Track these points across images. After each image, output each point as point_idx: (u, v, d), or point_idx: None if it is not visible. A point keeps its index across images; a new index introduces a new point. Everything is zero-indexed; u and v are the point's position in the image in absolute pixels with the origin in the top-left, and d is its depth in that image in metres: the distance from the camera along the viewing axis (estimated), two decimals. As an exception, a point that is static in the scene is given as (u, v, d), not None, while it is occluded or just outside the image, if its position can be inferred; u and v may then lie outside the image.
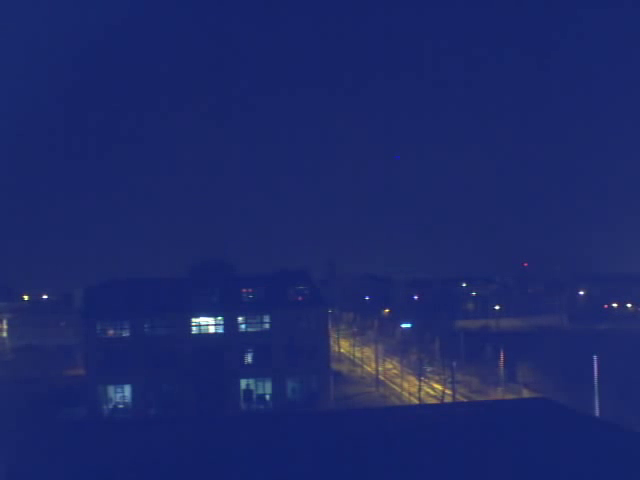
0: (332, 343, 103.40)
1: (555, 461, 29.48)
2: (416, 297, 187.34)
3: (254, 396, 73.95)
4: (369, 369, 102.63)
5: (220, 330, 74.34)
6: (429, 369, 79.83)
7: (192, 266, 79.61)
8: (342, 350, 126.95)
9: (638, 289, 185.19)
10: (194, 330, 73.97)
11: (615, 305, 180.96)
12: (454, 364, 74.78)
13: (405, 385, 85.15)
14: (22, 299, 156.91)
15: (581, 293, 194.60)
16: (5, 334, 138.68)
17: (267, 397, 73.85)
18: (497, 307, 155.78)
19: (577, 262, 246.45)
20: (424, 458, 30.93)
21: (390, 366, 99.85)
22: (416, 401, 74.94)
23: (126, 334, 73.05)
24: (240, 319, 74.42)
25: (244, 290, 76.13)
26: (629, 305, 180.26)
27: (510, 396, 74.44)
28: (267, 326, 74.47)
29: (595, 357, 65.04)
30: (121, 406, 72.38)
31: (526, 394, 74.52)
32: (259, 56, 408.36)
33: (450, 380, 72.72)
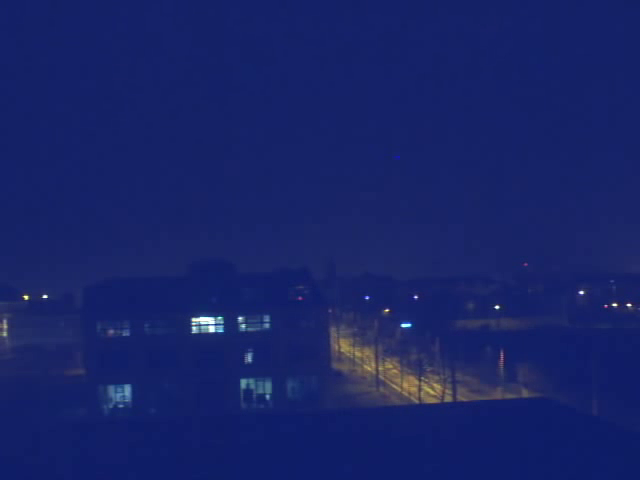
0: (332, 343, 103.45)
1: (555, 461, 29.45)
2: (416, 297, 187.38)
3: (254, 396, 73.97)
4: (369, 369, 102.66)
5: (220, 330, 74.33)
6: (429, 369, 79.76)
7: (192, 266, 79.58)
8: (342, 350, 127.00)
9: (638, 289, 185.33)
10: (194, 330, 73.96)
11: (615, 305, 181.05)
12: (454, 364, 74.77)
13: (405, 385, 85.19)
14: (22, 299, 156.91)
15: (581, 293, 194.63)
16: (5, 334, 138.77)
17: (267, 397, 73.87)
18: (497, 307, 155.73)
19: (577, 262, 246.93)
20: (424, 458, 30.90)
21: (390, 366, 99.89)
22: (416, 401, 74.94)
23: (126, 334, 73.05)
24: (240, 319, 74.42)
25: (244, 290, 76.13)
26: (629, 305, 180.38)
27: (510, 396, 74.50)
28: (267, 326, 74.46)
29: (595, 357, 65.14)
30: (121, 406, 72.42)
31: (526, 394, 74.60)
32: (260, 53, 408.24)
33: (450, 380, 72.70)
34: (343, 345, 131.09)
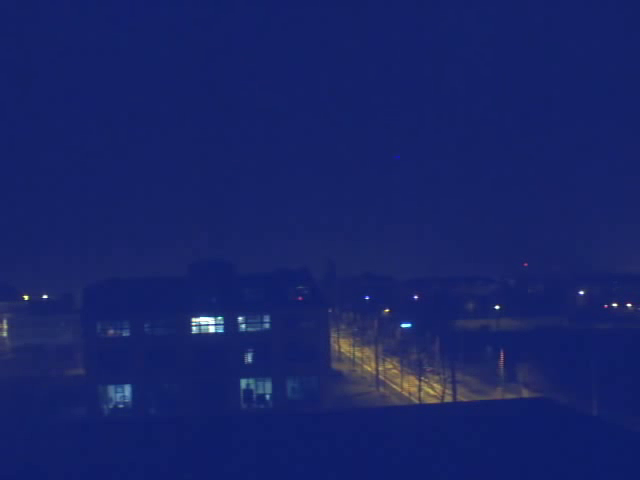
0: (332, 343, 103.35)
1: (555, 461, 29.44)
2: (416, 297, 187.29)
3: (254, 396, 73.97)
4: (369, 369, 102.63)
5: (220, 330, 74.31)
6: (429, 369, 79.72)
7: (192, 266, 79.55)
8: (342, 350, 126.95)
9: (638, 289, 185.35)
10: (194, 330, 73.95)
11: (615, 305, 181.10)
12: (454, 364, 74.74)
13: (405, 385, 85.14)
14: (22, 299, 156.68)
15: (581, 293, 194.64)
16: (5, 334, 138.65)
17: (267, 397, 73.86)
18: (497, 307, 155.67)
19: (577, 262, 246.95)
20: (424, 458, 30.89)
21: (390, 366, 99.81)
22: (416, 401, 74.92)
23: (126, 334, 73.04)
24: (240, 319, 74.40)
25: (244, 290, 76.09)
26: (629, 305, 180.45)
27: (510, 396, 74.46)
28: (267, 326, 74.43)
29: (595, 357, 65.14)
30: (121, 406, 72.42)
31: (526, 394, 74.56)
32: (260, 49, 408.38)
33: (450, 380, 72.67)
34: (343, 345, 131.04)
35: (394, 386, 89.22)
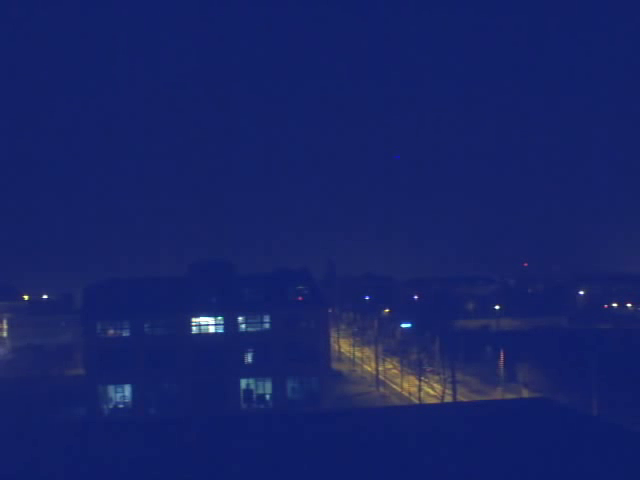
0: (332, 343, 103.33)
1: (555, 461, 29.45)
2: (416, 297, 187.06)
3: (254, 396, 73.96)
4: (369, 369, 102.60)
5: (220, 330, 74.29)
6: (429, 369, 79.71)
7: (192, 266, 79.56)
8: (342, 350, 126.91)
9: (638, 289, 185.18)
10: (194, 330, 73.92)
11: (615, 305, 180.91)
12: (454, 364, 74.70)
13: (405, 385, 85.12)
14: (22, 299, 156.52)
15: (581, 293, 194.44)
16: (5, 334, 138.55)
17: (267, 397, 73.85)
18: (497, 307, 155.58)
19: (577, 262, 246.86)
20: (424, 458, 30.90)
21: (390, 366, 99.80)
22: (416, 401, 74.90)
23: (126, 334, 73.01)
24: (240, 319, 74.36)
25: (244, 290, 76.08)
26: (629, 305, 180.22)
27: (510, 396, 74.44)
28: (267, 326, 74.41)
29: (595, 357, 65.13)
30: (121, 406, 72.40)
31: (526, 394, 74.55)
32: (260, 49, 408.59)
33: (450, 380, 72.67)
34: (343, 345, 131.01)
35: (394, 386, 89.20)
